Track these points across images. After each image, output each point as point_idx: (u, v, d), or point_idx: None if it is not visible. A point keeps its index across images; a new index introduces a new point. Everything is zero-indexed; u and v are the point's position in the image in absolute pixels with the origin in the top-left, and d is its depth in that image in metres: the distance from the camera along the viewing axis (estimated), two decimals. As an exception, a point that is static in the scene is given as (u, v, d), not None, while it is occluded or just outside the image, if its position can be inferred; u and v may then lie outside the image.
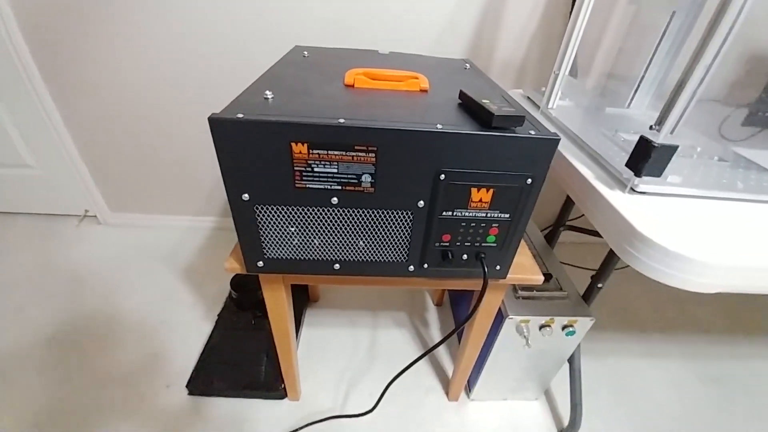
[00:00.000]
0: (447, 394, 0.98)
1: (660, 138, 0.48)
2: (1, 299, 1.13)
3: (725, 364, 1.13)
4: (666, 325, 1.23)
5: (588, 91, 1.01)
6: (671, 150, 0.49)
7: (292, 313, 0.79)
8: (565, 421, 0.93)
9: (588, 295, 0.81)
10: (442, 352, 1.10)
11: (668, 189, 0.54)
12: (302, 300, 1.17)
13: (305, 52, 0.77)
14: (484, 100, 0.48)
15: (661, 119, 0.48)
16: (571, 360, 0.88)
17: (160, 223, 1.48)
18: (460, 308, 1.16)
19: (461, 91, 0.54)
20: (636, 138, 0.52)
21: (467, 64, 0.80)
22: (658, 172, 0.51)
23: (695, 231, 0.48)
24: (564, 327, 0.78)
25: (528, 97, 0.96)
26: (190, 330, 1.08)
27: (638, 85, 0.86)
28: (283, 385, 0.91)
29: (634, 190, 0.54)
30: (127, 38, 1.08)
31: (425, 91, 0.59)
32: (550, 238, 1.11)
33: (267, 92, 0.50)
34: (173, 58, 1.11)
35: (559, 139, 0.45)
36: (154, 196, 1.43)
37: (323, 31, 1.08)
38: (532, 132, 0.45)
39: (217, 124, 0.43)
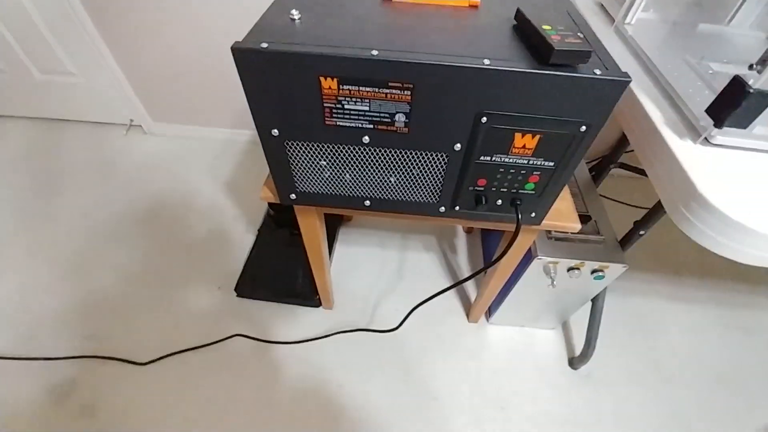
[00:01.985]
0: (467, 315, 1.05)
1: (759, 83, 0.39)
2: (69, 206, 1.25)
3: (758, 314, 1.10)
4: (705, 271, 1.19)
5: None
6: (770, 97, 0.40)
7: (325, 237, 0.83)
8: (577, 351, 0.98)
9: (626, 241, 0.78)
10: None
11: (752, 143, 0.46)
12: (336, 218, 1.21)
13: (339, -50, 0.65)
14: (544, 26, 0.40)
15: (766, 57, 0.39)
16: (595, 299, 0.89)
17: (201, 134, 1.52)
18: (490, 238, 1.17)
19: (518, 10, 0.45)
20: (728, 70, 0.43)
21: (532, -35, 0.65)
22: (745, 123, 0.43)
23: (771, 195, 0.42)
24: (594, 271, 0.77)
25: (601, 4, 0.80)
26: (234, 239, 1.18)
27: (749, -7, 0.68)
28: (317, 296, 1.00)
29: (709, 141, 0.47)
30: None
31: (475, 6, 0.50)
32: (598, 173, 1.03)
33: (293, 12, 0.44)
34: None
35: (629, 81, 0.38)
36: (192, 107, 1.43)
37: None
38: (597, 71, 0.38)
39: (240, 54, 0.40)
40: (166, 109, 1.45)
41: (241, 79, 0.42)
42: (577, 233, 0.78)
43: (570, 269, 0.77)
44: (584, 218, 0.82)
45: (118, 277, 1.08)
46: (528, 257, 0.78)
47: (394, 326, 0.83)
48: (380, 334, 0.98)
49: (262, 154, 1.48)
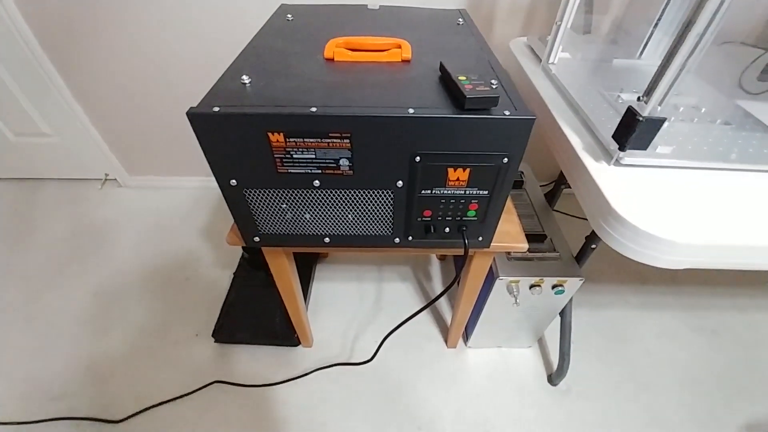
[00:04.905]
0: (446, 341, 1.06)
1: (646, 111, 0.46)
2: (44, 260, 1.25)
3: (723, 315, 1.15)
4: (670, 278, 1.24)
5: (598, 39, 0.92)
6: (658, 123, 0.47)
7: (297, 275, 0.86)
8: (555, 367, 1.00)
9: (581, 256, 0.83)
10: (442, 302, 1.17)
11: (656, 161, 0.52)
12: (312, 256, 1.24)
13: (289, 15, 0.73)
14: (460, 77, 0.47)
15: (649, 90, 0.46)
16: (563, 314, 0.93)
17: (176, 184, 1.55)
18: (461, 263, 1.21)
19: (441, 64, 0.52)
20: (635, 99, 0.50)
21: (461, 19, 0.74)
22: (643, 145, 0.49)
23: (674, 206, 0.48)
24: (554, 286, 0.81)
25: (531, 47, 0.90)
26: (211, 285, 1.18)
27: (653, 30, 0.79)
28: (296, 335, 1.01)
29: (619, 163, 0.53)
30: (124, 4, 1.05)
31: (407, 61, 0.57)
32: (553, 195, 1.10)
33: (244, 77, 0.50)
34: (170, 23, 1.08)
35: (534, 119, 0.44)
36: (166, 158, 1.48)
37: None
38: (507, 112, 0.44)
39: (195, 118, 0.44)
40: (140, 161, 1.49)
41: (198, 139, 0.47)
42: (535, 252, 0.83)
43: (531, 287, 0.81)
44: (541, 237, 0.88)
45: (93, 330, 1.06)
46: (491, 279, 0.82)
47: (368, 358, 0.85)
48: (360, 368, 0.98)
49: (239, 198, 1.52)
